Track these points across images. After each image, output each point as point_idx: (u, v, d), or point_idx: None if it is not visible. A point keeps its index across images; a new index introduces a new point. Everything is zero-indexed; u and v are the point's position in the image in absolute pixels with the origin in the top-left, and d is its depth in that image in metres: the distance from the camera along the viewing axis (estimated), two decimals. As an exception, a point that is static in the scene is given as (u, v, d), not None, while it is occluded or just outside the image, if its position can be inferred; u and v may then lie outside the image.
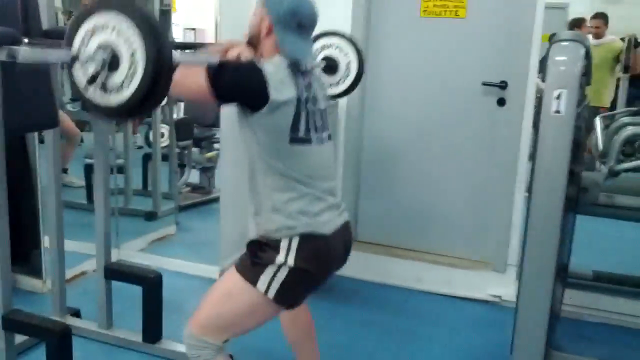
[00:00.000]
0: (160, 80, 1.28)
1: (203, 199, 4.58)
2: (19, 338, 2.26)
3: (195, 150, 4.61)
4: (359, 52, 2.30)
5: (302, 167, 1.68)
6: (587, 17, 6.03)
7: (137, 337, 2.51)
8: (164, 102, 4.24)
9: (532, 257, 2.21)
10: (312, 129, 1.70)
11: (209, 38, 4.75)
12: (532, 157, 2.18)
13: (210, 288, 1.78)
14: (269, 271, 1.65)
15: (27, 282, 3.04)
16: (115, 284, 2.56)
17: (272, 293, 1.65)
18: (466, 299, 3.21)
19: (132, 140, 4.29)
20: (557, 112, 2.05)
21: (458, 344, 2.77)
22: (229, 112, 3.19)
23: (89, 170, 4.03)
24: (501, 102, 3.14)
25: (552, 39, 3.22)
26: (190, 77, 1.59)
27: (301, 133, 1.67)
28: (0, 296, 1.99)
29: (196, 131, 4.61)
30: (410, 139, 3.36)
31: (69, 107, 4.56)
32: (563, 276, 2.57)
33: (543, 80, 3.00)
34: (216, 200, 4.36)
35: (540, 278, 2.21)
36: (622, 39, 6.21)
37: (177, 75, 1.31)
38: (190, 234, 4.04)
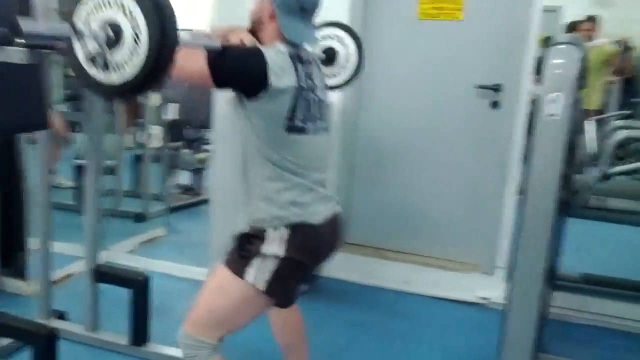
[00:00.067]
0: (163, 60, 1.23)
1: (193, 200, 4.56)
2: (4, 341, 2.22)
3: (186, 151, 4.58)
4: (358, 44, 2.26)
5: (296, 156, 1.66)
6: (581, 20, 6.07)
7: (124, 340, 2.47)
8: (158, 103, 4.21)
9: (523, 259, 2.21)
10: (308, 119, 1.68)
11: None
12: (526, 159, 2.17)
13: (202, 286, 1.76)
14: (257, 263, 1.63)
15: (12, 284, 2.99)
16: (102, 285, 2.52)
17: (261, 284, 1.63)
18: (454, 301, 3.19)
19: (122, 142, 4.26)
20: (553, 115, 2.04)
21: (446, 346, 2.76)
22: (221, 114, 3.20)
23: (78, 171, 3.99)
24: (495, 104, 3.14)
25: (545, 41, 3.25)
26: (190, 60, 1.55)
27: (298, 122, 1.65)
28: (-16, 298, 1.96)
29: (187, 132, 4.58)
30: (403, 141, 3.36)
31: (60, 107, 4.54)
32: (552, 279, 2.57)
33: (537, 83, 3.02)
34: (207, 201, 4.33)
35: (530, 281, 2.21)
36: (615, 42, 6.24)
37: (178, 57, 1.28)
38: (180, 236, 4.01)
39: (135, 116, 4.62)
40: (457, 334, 2.89)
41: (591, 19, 5.94)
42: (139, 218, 4.04)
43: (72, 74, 1.35)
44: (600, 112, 5.61)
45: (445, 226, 3.35)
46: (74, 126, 4.74)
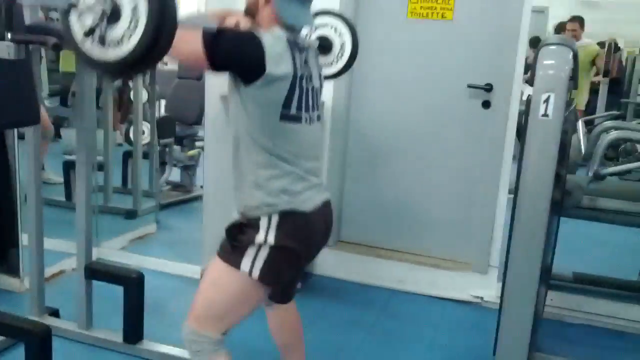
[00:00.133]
0: (162, 37, 1.21)
1: (184, 197, 4.54)
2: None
3: (176, 148, 4.56)
4: (353, 33, 2.24)
5: (288, 145, 1.65)
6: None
7: (118, 338, 2.46)
8: (145, 99, 4.18)
9: (517, 259, 2.22)
10: (303, 108, 1.67)
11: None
12: (518, 159, 2.18)
13: (200, 281, 1.77)
14: (250, 252, 1.63)
15: (5, 281, 2.97)
16: (95, 282, 2.51)
17: (256, 273, 1.63)
18: (448, 300, 3.21)
19: (112, 138, 4.22)
20: (545, 115, 2.06)
21: (440, 345, 2.77)
22: (213, 110, 3.19)
23: (68, 167, 3.96)
24: (486, 104, 3.15)
25: (533, 42, 3.27)
26: (186, 40, 1.51)
27: (292, 110, 1.64)
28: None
29: (178, 129, 4.56)
30: (395, 140, 3.36)
31: (47, 102, 4.50)
32: (546, 278, 2.59)
33: (526, 82, 3.05)
34: (197, 198, 4.34)
35: (525, 280, 2.23)
36: (601, 43, 6.30)
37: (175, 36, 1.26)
38: (171, 232, 3.99)
39: (125, 112, 4.60)
40: (451, 332, 2.90)
41: (576, 19, 5.99)
42: (130, 215, 4.01)
43: (71, 50, 1.32)
44: (585, 112, 5.66)
45: (438, 225, 3.37)
46: (61, 121, 4.71)
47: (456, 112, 3.23)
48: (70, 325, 2.54)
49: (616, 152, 3.15)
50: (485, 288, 3.18)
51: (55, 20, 3.87)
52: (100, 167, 4.01)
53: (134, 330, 2.45)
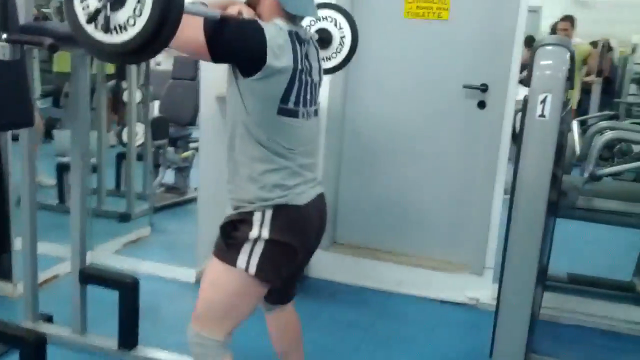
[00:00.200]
0: (167, 24, 1.19)
1: (178, 199, 4.50)
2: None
3: (170, 149, 4.52)
4: (353, 27, 2.21)
5: (284, 139, 1.64)
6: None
7: (113, 344, 2.44)
8: (138, 99, 4.15)
9: (514, 260, 2.22)
10: (301, 102, 1.65)
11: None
12: (515, 160, 2.18)
13: (201, 281, 1.76)
14: (245, 248, 1.62)
15: (-3, 286, 2.94)
16: (89, 287, 2.48)
17: (252, 269, 1.62)
18: (445, 302, 3.21)
19: (105, 139, 4.19)
20: (542, 116, 2.06)
21: (437, 346, 2.77)
22: (209, 111, 3.17)
23: (61, 169, 3.92)
24: (481, 104, 3.15)
25: (526, 41, 3.27)
26: (187, 28, 1.47)
27: (290, 105, 1.62)
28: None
29: (171, 130, 4.52)
30: (390, 141, 3.35)
31: (39, 103, 4.46)
32: (542, 279, 2.59)
33: (520, 82, 3.05)
34: (191, 201, 4.30)
35: (521, 282, 2.23)
36: (594, 43, 6.34)
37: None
38: (166, 235, 3.96)
39: (118, 113, 4.57)
40: (447, 334, 2.90)
41: (567, 18, 6.02)
42: (123, 218, 3.98)
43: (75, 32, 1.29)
44: (577, 111, 5.69)
45: (433, 226, 3.36)
46: (54, 122, 4.68)
47: (452, 112, 3.23)
48: (64, 331, 2.51)
49: (611, 152, 3.16)
50: (480, 289, 3.18)
51: (48, 16, 3.84)
52: (94, 169, 3.98)
53: (129, 336, 2.42)
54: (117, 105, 4.43)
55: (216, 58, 1.57)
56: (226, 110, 1.68)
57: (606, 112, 4.81)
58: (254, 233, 1.62)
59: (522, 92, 2.91)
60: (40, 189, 3.93)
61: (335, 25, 2.19)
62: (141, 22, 1.18)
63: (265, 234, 1.62)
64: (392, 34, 3.26)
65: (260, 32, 1.54)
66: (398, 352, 2.70)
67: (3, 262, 2.93)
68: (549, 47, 2.15)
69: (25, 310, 2.52)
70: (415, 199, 3.36)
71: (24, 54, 2.00)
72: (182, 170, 4.62)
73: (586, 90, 6.37)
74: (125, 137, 4.14)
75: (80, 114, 2.39)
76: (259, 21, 1.59)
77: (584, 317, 3.01)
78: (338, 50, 2.21)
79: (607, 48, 6.44)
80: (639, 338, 2.91)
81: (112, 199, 4.16)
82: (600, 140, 2.58)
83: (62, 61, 4.21)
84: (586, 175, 2.51)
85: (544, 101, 2.06)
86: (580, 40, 6.07)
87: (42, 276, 2.88)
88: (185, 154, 4.58)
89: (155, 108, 4.55)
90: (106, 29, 1.23)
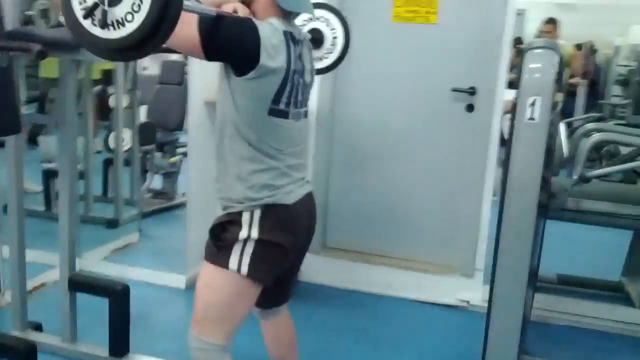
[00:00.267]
0: (166, 21, 1.17)
1: (166, 205, 4.47)
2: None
3: (157, 154, 4.49)
4: (346, 28, 2.20)
5: (274, 140, 1.63)
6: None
7: (103, 351, 2.41)
8: (125, 104, 4.12)
9: (505, 262, 2.22)
10: (292, 103, 1.65)
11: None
12: (504, 163, 2.19)
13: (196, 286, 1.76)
14: (236, 249, 1.62)
15: (-16, 294, 2.90)
16: (78, 294, 2.46)
17: (244, 269, 1.62)
18: (435, 304, 3.22)
19: (91, 145, 4.15)
20: (532, 119, 2.07)
21: (428, 349, 2.77)
22: (197, 116, 3.15)
23: (48, 175, 3.88)
24: (470, 108, 3.17)
25: (513, 42, 3.29)
26: (181, 25, 1.42)
27: (282, 105, 1.62)
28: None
29: (159, 135, 4.49)
30: (379, 145, 3.36)
31: (24, 109, 4.41)
32: (533, 281, 2.60)
33: (510, 87, 3.06)
34: (179, 206, 4.28)
35: (513, 284, 2.23)
36: (579, 45, 6.40)
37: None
38: (154, 241, 3.92)
39: (105, 118, 4.52)
40: (438, 336, 2.90)
41: (551, 21, 6.08)
42: (111, 224, 3.94)
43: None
44: (562, 113, 5.73)
45: (423, 229, 3.37)
46: (39, 129, 4.63)
47: (441, 115, 3.24)
48: (53, 340, 2.48)
49: (598, 154, 3.19)
50: (471, 291, 3.19)
51: (31, 19, 3.79)
52: (81, 175, 3.94)
53: (119, 343, 2.40)
54: (103, 110, 4.39)
55: (209, 56, 1.55)
56: (216, 110, 1.67)
57: (592, 114, 4.85)
58: (243, 233, 1.62)
59: (508, 93, 2.94)
60: (26, 196, 3.88)
61: (328, 25, 2.18)
62: (139, 18, 1.17)
63: (255, 234, 1.62)
64: (380, 38, 3.27)
65: (254, 30, 1.53)
66: (389, 354, 2.70)
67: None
68: (538, 51, 2.16)
69: (14, 318, 2.48)
70: (405, 202, 3.37)
71: (11, 60, 1.98)
72: (170, 175, 4.59)
73: (571, 92, 6.43)
74: (112, 143, 4.10)
75: (68, 120, 2.36)
76: (254, 20, 1.58)
77: (574, 317, 3.03)
78: (330, 50, 2.20)
79: (592, 50, 6.51)
80: (628, 337, 2.94)
81: (99, 205, 4.13)
82: (588, 142, 2.60)
83: (49, 66, 4.17)
84: (575, 177, 2.53)
85: (533, 104, 2.07)
86: (565, 42, 6.13)
87: (30, 284, 2.85)
88: (173, 159, 4.56)
89: (142, 113, 4.51)
90: (103, 24, 1.21)
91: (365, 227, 3.45)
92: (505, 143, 2.24)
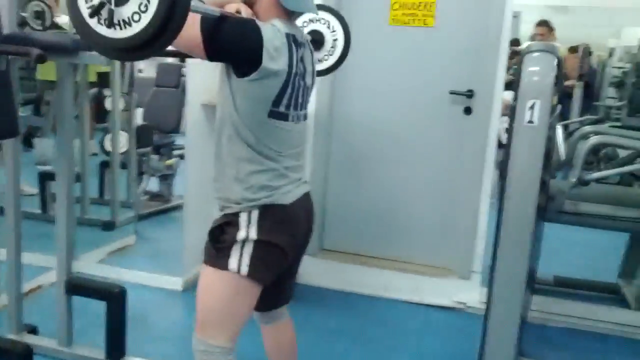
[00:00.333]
0: (173, 21, 1.16)
1: (162, 207, 4.45)
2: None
3: (154, 157, 4.48)
4: (346, 30, 2.21)
5: (273, 142, 1.63)
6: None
7: (100, 354, 2.39)
8: (121, 107, 4.10)
9: (503, 264, 2.22)
10: (292, 106, 1.65)
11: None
12: (502, 166, 2.19)
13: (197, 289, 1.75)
14: (235, 250, 1.62)
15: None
16: (74, 297, 2.44)
17: (244, 270, 1.62)
18: (432, 306, 3.22)
19: (87, 147, 4.13)
20: (531, 122, 2.07)
21: (425, 351, 2.77)
22: (194, 118, 3.15)
23: (44, 177, 3.86)
24: (467, 110, 3.17)
25: (510, 43, 3.29)
26: (185, 25, 1.41)
27: (282, 108, 1.61)
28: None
29: (155, 137, 4.48)
30: (377, 147, 3.36)
31: (20, 111, 4.38)
32: (531, 283, 2.61)
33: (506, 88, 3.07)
34: (176, 208, 4.27)
35: (511, 285, 2.23)
36: (574, 47, 6.41)
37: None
38: (151, 244, 3.92)
39: (101, 121, 4.51)
40: (435, 339, 2.90)
41: (544, 23, 6.08)
42: (108, 226, 3.93)
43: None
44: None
45: (420, 231, 3.37)
46: (34, 131, 4.60)
47: (438, 118, 3.24)
48: (50, 343, 2.46)
49: (596, 156, 3.19)
50: (468, 293, 3.19)
51: (25, 20, 3.77)
52: (77, 177, 3.92)
53: (116, 347, 2.38)
54: (99, 113, 4.37)
55: (211, 56, 1.55)
56: (216, 110, 1.67)
57: (588, 117, 4.86)
58: (241, 234, 1.62)
59: (505, 94, 2.95)
60: (22, 198, 3.87)
61: (328, 27, 2.19)
62: (146, 18, 1.16)
63: (253, 234, 1.62)
64: (378, 41, 3.27)
65: (257, 32, 1.52)
66: (386, 356, 2.70)
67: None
68: (537, 54, 2.17)
69: (10, 321, 2.47)
70: (402, 205, 3.37)
71: (9, 64, 1.97)
72: (166, 177, 4.57)
73: (566, 94, 6.44)
74: (108, 145, 4.09)
75: (66, 122, 2.35)
76: (257, 21, 1.57)
77: (571, 319, 3.03)
78: (330, 52, 2.21)
79: (588, 52, 6.52)
80: (624, 339, 2.94)
81: (95, 207, 4.11)
82: (586, 145, 2.60)
83: (46, 69, 4.15)
84: (573, 179, 2.53)
85: (532, 107, 2.08)
86: (559, 45, 6.14)
87: (26, 287, 2.84)
88: (169, 161, 4.54)
89: (138, 116, 4.49)
90: (109, 23, 1.20)
91: (362, 229, 3.45)
92: (503, 146, 2.25)
